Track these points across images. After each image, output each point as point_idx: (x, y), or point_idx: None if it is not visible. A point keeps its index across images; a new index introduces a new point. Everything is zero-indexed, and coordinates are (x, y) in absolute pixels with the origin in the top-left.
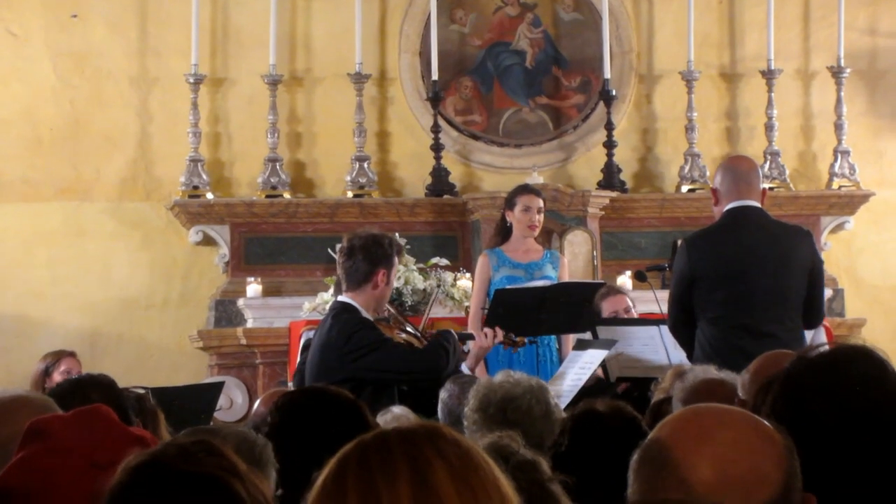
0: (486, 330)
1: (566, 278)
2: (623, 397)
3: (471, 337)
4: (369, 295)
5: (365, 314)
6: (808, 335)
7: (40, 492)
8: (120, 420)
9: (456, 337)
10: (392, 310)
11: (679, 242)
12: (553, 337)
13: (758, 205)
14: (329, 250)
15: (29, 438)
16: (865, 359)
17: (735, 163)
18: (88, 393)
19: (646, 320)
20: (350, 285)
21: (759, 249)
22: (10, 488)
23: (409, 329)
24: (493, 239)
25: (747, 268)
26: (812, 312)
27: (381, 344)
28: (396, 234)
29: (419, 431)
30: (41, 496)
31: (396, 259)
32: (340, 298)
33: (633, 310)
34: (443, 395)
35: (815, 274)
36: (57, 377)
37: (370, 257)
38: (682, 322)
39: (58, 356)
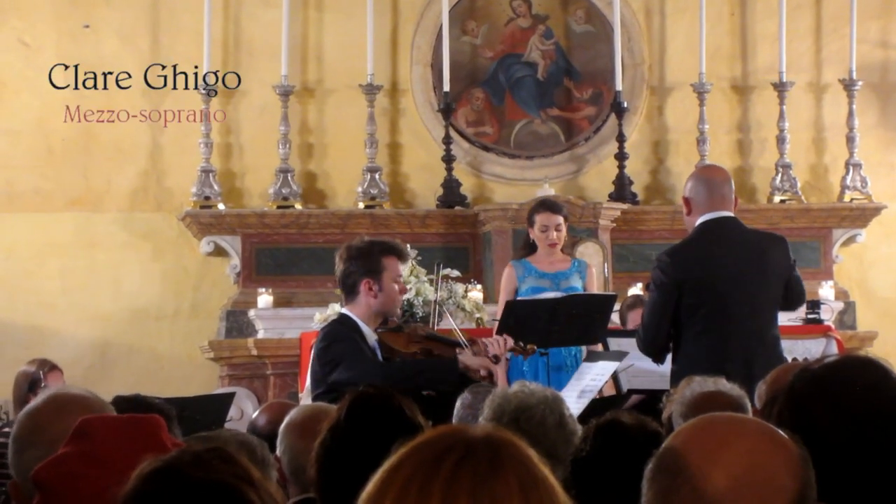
0: (497, 337)
1: (594, 287)
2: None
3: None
4: (364, 305)
5: (363, 325)
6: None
7: (67, 493)
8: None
9: (450, 368)
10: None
11: (659, 257)
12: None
13: (732, 215)
14: None
15: (75, 437)
16: (868, 367)
17: (708, 173)
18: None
19: None
20: (345, 297)
21: (738, 260)
22: (42, 482)
23: (436, 338)
24: (520, 252)
25: (728, 278)
26: (793, 299)
27: (344, 356)
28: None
29: (509, 437)
30: (67, 497)
31: (388, 262)
32: (342, 310)
33: None
34: (457, 404)
35: (793, 279)
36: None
37: (352, 268)
38: (665, 334)
39: (43, 366)
